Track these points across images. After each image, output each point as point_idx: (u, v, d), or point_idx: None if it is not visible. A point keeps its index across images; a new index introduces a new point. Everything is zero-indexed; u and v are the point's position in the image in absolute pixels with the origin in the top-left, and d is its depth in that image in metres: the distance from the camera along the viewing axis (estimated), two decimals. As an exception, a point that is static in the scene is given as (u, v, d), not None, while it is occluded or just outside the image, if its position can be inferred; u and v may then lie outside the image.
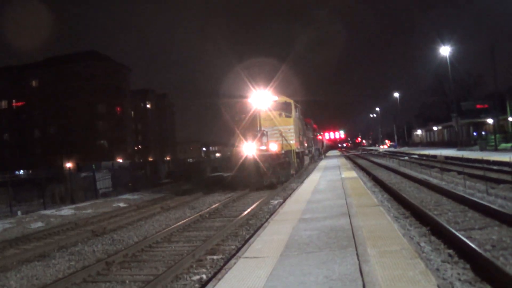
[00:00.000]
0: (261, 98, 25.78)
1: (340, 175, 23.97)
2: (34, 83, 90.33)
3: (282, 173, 24.89)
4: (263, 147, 24.82)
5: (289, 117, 26.36)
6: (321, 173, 27.20)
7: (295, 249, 7.48)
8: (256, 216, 14.56)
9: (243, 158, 24.37)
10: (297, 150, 27.11)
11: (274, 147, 24.76)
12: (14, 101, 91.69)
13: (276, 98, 26.56)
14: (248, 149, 24.49)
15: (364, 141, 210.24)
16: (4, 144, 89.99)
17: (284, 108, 26.62)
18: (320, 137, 73.21)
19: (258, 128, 25.17)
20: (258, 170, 24.16)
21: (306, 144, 36.43)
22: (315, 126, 57.74)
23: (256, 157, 24.16)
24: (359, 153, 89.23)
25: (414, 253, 6.62)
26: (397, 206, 14.10)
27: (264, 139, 24.94)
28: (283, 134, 25.37)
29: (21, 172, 62.14)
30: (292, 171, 25.93)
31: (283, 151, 24.99)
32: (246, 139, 24.82)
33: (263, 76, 28.62)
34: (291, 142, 25.73)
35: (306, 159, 36.52)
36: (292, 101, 27.16)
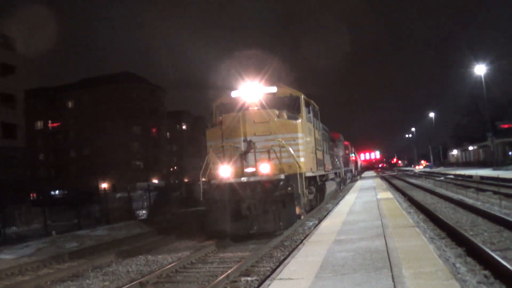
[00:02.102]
0: (249, 89, 16.10)
1: (376, 196, 23.61)
2: (69, 104, 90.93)
3: (280, 213, 14.25)
4: (250, 169, 14.82)
5: (295, 119, 15.63)
6: (356, 194, 26.83)
7: (329, 270, 7.36)
8: (291, 238, 14.44)
9: (214, 187, 14.83)
10: (310, 174, 16.41)
11: (266, 168, 14.64)
12: (49, 122, 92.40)
13: (274, 89, 16.47)
14: (224, 172, 14.76)
15: (399, 161, 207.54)
16: (39, 164, 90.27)
17: (288, 105, 16.41)
18: (353, 157, 61.68)
19: (242, 138, 14.90)
20: (240, 209, 14.15)
21: (330, 165, 25.33)
22: (346, 143, 48.26)
23: (236, 186, 14.46)
24: (395, 173, 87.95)
25: (449, 274, 6.44)
26: (433, 227, 13.82)
27: (251, 156, 14.86)
28: (285, 148, 14.69)
29: (57, 192, 62.91)
30: (298, 210, 14.85)
31: (282, 176, 14.40)
32: (221, 157, 15.11)
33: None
34: (299, 160, 15.00)
35: (331, 186, 24.78)
36: (301, 95, 16.86)
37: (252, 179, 14.49)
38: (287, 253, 11.36)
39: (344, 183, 39.26)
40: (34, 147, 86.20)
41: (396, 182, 48.82)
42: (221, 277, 9.30)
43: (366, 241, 9.87)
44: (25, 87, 58.88)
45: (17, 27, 53.36)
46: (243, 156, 14.82)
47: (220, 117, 15.67)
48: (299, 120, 15.55)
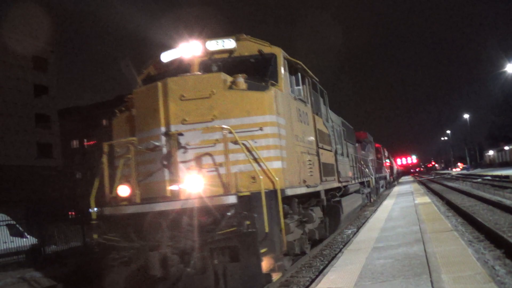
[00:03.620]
0: (191, 47, 9.49)
1: (413, 201, 23.29)
2: (104, 122, 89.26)
3: (229, 273, 7.42)
4: (175, 187, 8.07)
5: (262, 89, 8.73)
6: (394, 200, 26.51)
7: (368, 278, 7.34)
8: (330, 247, 14.38)
9: (108, 223, 8.36)
10: (298, 190, 9.48)
11: (199, 185, 7.79)
12: (85, 140, 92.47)
13: (231, 43, 9.59)
14: (123, 193, 8.34)
15: (436, 165, 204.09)
16: (76, 183, 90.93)
17: (256, 71, 9.51)
18: (387, 163, 54.03)
19: (162, 129, 8.25)
20: (148, 266, 7.41)
21: (353, 172, 19.09)
22: (378, 145, 42.01)
23: (144, 219, 7.80)
24: (432, 177, 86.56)
25: (488, 277, 6.37)
26: (471, 230, 13.60)
27: (178, 163, 8.10)
28: (244, 144, 8.08)
29: (95, 209, 63.46)
30: (267, 263, 7.69)
31: (232, 198, 7.67)
32: (129, 166, 8.52)
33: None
34: (271, 165, 8.23)
35: (353, 202, 16.81)
36: (279, 51, 9.94)
37: (171, 206, 7.68)
38: (326, 262, 11.35)
39: (376, 193, 31.37)
40: (71, 165, 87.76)
41: (434, 186, 48.07)
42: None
43: (405, 247, 9.79)
44: (60, 107, 60.11)
45: (50, 49, 54.47)
46: (165, 162, 8.13)
47: (130, 95, 9.04)
48: (271, 92, 8.58)
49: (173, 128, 8.15)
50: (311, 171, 10.81)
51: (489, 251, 10.11)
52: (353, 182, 18.28)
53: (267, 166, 8.13)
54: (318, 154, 11.86)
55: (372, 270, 7.97)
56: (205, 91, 8.33)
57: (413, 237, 11.08)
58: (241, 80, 8.59)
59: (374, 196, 28.99)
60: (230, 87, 8.52)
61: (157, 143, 8.15)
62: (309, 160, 10.78)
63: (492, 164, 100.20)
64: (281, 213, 7.96)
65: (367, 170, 25.83)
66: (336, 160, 14.57)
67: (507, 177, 35.32)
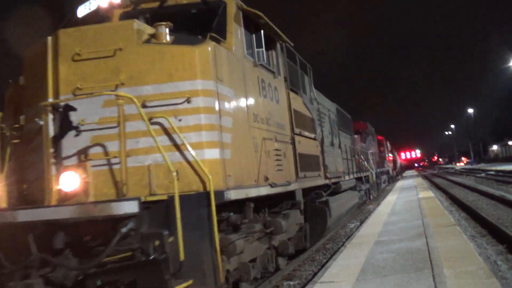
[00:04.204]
0: None
1: (417, 195, 23.19)
2: None
3: None
4: (64, 187, 5.49)
5: (193, 43, 6.04)
6: (397, 194, 26.40)
7: (370, 273, 7.30)
8: (333, 240, 14.32)
9: None
10: (252, 192, 6.67)
11: (74, 184, 5.40)
12: None
13: None
14: None
15: (440, 159, 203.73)
16: None
17: (193, 21, 7.18)
18: (390, 157, 52.16)
19: (50, 101, 5.77)
20: None
21: (346, 166, 16.20)
22: (380, 138, 39.02)
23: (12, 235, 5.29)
24: (436, 172, 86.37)
25: (490, 272, 6.31)
26: (474, 225, 13.54)
27: (68, 149, 5.71)
28: (159, 123, 5.72)
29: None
30: None
31: (128, 205, 5.03)
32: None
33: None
34: (202, 155, 5.73)
35: (345, 203, 14.10)
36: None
37: (38, 215, 5.28)
38: (328, 256, 11.30)
39: (377, 189, 28.80)
40: None
41: (437, 180, 47.92)
42: (263, 282, 8.57)
43: (407, 242, 9.74)
44: None
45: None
46: (53, 147, 5.77)
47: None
48: (206, 47, 6.15)
49: (64, 101, 5.79)
50: (279, 165, 8.19)
51: (491, 246, 10.05)
52: (348, 177, 15.86)
53: (195, 157, 5.59)
54: (293, 142, 9.25)
55: (374, 264, 7.92)
56: (109, 46, 5.83)
57: (416, 231, 11.01)
58: (164, 30, 6.05)
59: (374, 192, 26.19)
60: (148, 41, 6.04)
61: (41, 122, 5.68)
62: (277, 150, 8.20)
63: (496, 159, 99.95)
64: (215, 226, 5.47)
65: (366, 163, 23.34)
66: (322, 151, 11.79)
67: (511, 172, 35.20)
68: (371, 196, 24.44)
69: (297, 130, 9.59)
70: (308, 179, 9.96)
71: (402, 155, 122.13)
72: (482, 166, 75.28)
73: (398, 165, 75.17)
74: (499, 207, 16.75)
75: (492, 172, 45.11)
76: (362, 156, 22.26)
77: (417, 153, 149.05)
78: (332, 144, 14.08)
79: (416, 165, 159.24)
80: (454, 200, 21.63)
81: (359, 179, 19.25)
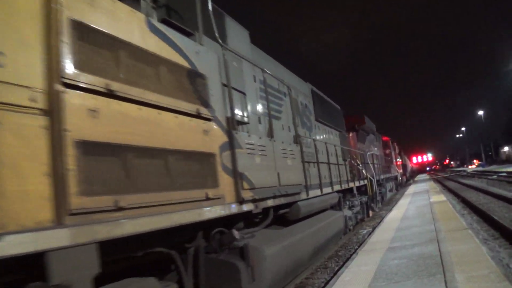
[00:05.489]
0: None
1: (429, 199, 23.04)
2: None
3: None
4: None
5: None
6: (409, 199, 26.23)
7: (383, 279, 7.28)
8: (345, 247, 14.27)
9: None
10: None
11: None
12: None
13: None
14: None
15: (452, 162, 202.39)
16: None
17: None
18: (399, 161, 46.40)
19: None
20: None
21: (308, 174, 9.73)
22: (386, 138, 33.96)
23: None
24: (448, 175, 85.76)
25: (502, 276, 6.27)
26: (486, 228, 13.45)
27: None
28: None
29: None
30: None
31: None
32: None
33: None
34: None
35: (300, 247, 7.79)
36: None
37: None
38: (341, 263, 11.27)
39: (382, 200, 24.02)
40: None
41: (449, 183, 47.56)
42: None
43: (419, 247, 9.70)
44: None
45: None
46: None
47: None
48: None
49: None
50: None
51: (504, 249, 9.99)
52: (325, 191, 11.01)
53: None
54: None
55: (386, 271, 7.89)
56: None
57: (428, 236, 10.96)
58: None
59: (376, 205, 20.84)
60: None
61: None
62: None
63: (508, 160, 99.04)
64: None
65: (364, 170, 18.42)
66: (232, 144, 5.96)
67: (522, 173, 34.92)
68: (370, 212, 19.19)
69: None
70: (152, 212, 4.22)
71: (414, 159, 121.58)
72: (494, 168, 74.63)
73: (409, 169, 72.66)
74: (512, 209, 16.64)
75: (504, 174, 44.73)
76: (358, 160, 17.80)
77: (428, 157, 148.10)
78: (296, 141, 9.40)
79: (428, 168, 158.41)
80: (466, 203, 21.49)
81: (349, 190, 15.26)
